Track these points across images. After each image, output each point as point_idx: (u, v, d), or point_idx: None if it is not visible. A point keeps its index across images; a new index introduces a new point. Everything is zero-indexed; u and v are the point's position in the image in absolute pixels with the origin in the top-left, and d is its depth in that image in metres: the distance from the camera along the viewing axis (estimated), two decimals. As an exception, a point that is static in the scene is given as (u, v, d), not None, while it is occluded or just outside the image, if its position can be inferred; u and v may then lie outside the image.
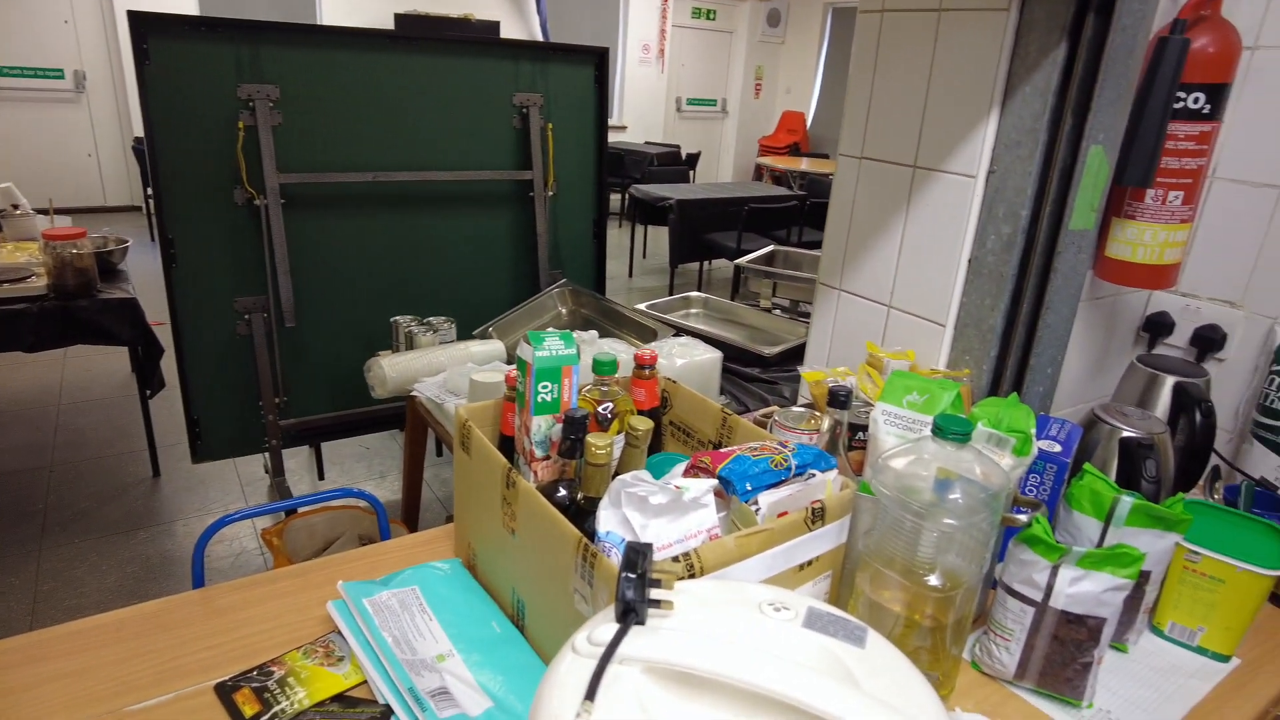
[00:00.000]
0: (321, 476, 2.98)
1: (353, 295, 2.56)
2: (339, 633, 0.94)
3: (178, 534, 2.62)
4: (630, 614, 0.54)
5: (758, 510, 0.84)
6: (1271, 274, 1.33)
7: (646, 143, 9.02)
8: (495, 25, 7.83)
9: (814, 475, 0.89)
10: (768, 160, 8.77)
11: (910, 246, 1.20)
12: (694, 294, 2.71)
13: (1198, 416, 1.21)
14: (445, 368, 1.97)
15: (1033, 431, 0.94)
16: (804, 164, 8.40)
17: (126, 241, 2.95)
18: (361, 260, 2.56)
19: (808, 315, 2.69)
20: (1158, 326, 1.46)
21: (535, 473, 0.95)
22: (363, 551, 1.09)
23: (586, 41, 2.96)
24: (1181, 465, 1.22)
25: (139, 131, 6.30)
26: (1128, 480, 1.10)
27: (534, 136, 2.79)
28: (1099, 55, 0.95)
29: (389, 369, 1.90)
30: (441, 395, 1.81)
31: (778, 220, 5.40)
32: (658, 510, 0.78)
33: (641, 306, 2.50)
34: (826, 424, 0.98)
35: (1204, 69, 1.12)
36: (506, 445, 1.03)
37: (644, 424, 0.89)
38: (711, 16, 9.82)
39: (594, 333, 1.78)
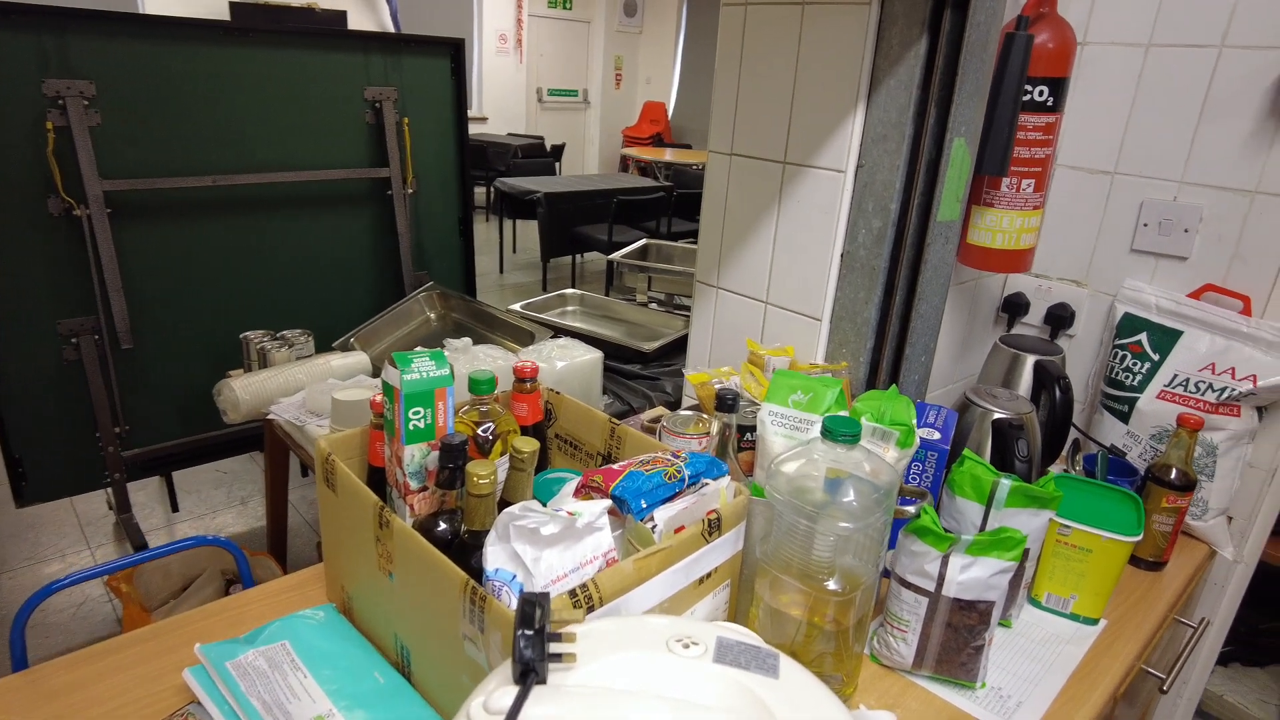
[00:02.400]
0: (175, 508, 2.73)
1: (197, 311, 2.35)
2: (199, 703, 0.84)
3: (3, 589, 2.33)
4: (530, 674, 0.49)
5: (654, 527, 0.80)
6: (1108, 254, 1.42)
7: (509, 134, 8.84)
8: (341, 15, 7.42)
9: (707, 484, 0.87)
10: (633, 151, 8.79)
11: (784, 243, 1.20)
12: (569, 291, 2.66)
13: (1057, 392, 1.27)
14: (304, 385, 1.83)
15: (914, 423, 0.95)
16: (668, 154, 8.48)
17: (-83, 261, 2.58)
18: (205, 272, 2.34)
19: (684, 308, 2.70)
20: (1015, 307, 1.54)
21: (411, 506, 0.88)
22: (224, 604, 0.98)
23: (440, 32, 2.84)
24: (1045, 439, 1.28)
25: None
26: (1001, 460, 1.14)
27: (389, 132, 2.65)
28: (958, 49, 0.97)
29: (241, 391, 1.74)
30: (301, 417, 1.68)
31: (647, 211, 5.42)
32: (550, 540, 0.73)
33: (515, 307, 2.43)
34: (715, 427, 0.95)
35: (1046, 63, 1.17)
36: (376, 477, 0.94)
37: (529, 445, 0.84)
38: (568, 6, 9.73)
39: (467, 340, 1.70)
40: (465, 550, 0.80)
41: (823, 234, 1.14)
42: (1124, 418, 1.34)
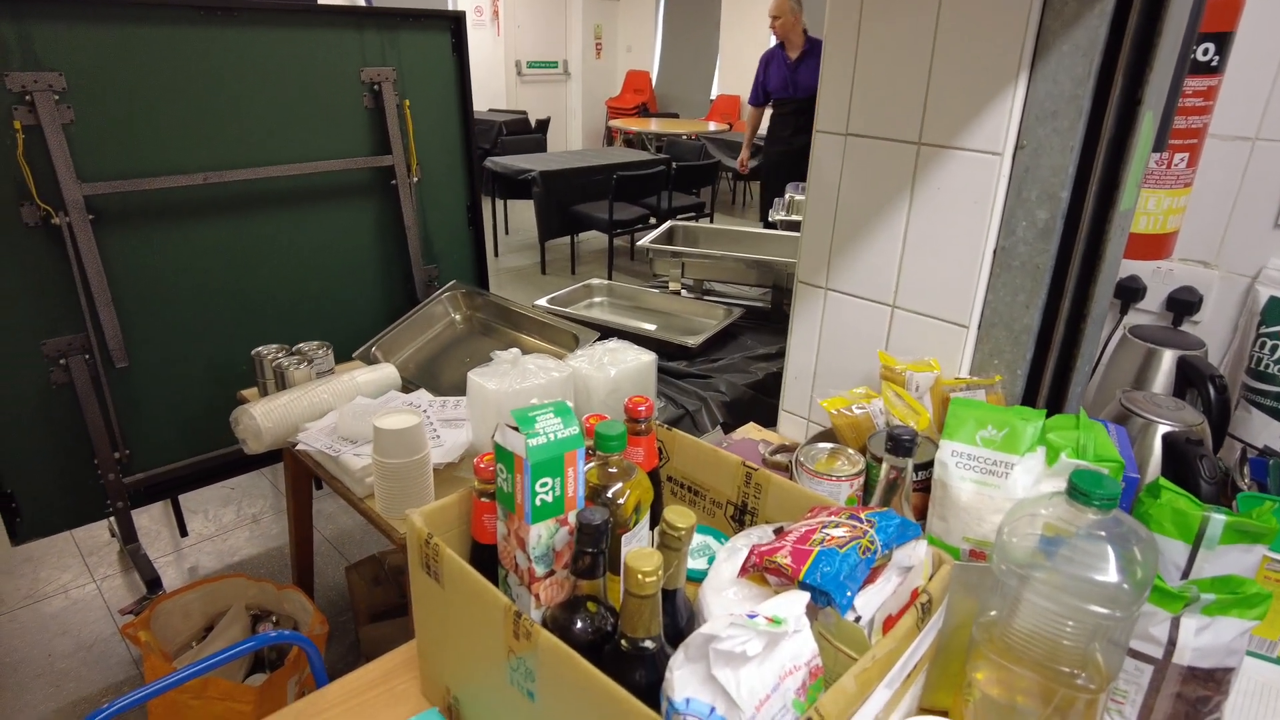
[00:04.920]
0: (184, 532, 2.55)
1: (194, 321, 2.14)
2: None
3: (3, 633, 2.14)
4: None
5: (859, 621, 0.65)
6: (1245, 231, 1.27)
7: (491, 110, 8.55)
8: (309, -11, 7.06)
9: (898, 551, 0.71)
10: (618, 123, 8.54)
11: (917, 237, 1.03)
12: (595, 281, 2.48)
13: (1211, 393, 1.13)
14: (331, 407, 1.65)
15: (1121, 458, 0.80)
16: (653, 125, 8.25)
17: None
18: (200, 279, 2.14)
19: (717, 295, 2.53)
20: (1129, 292, 1.39)
21: (537, 596, 0.71)
22: (297, 713, 0.82)
23: (413, 5, 2.62)
24: (1201, 448, 1.14)
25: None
26: (1176, 480, 1.00)
27: (390, 116, 2.43)
28: (1160, 4, 0.80)
29: (262, 418, 1.55)
30: (336, 446, 1.50)
31: (646, 187, 5.21)
32: (749, 656, 0.57)
33: (542, 302, 2.25)
34: (883, 471, 0.79)
35: (1213, 16, 1.01)
36: (481, 554, 0.78)
37: (684, 519, 0.67)
38: (544, -27, 9.39)
39: (515, 351, 1.52)
40: (623, 662, 0.64)
41: (971, 227, 0.97)
42: (1279, 415, 1.20)
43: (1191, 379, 1.17)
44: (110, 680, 2.00)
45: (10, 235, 1.84)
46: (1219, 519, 0.83)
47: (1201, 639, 0.75)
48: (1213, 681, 0.76)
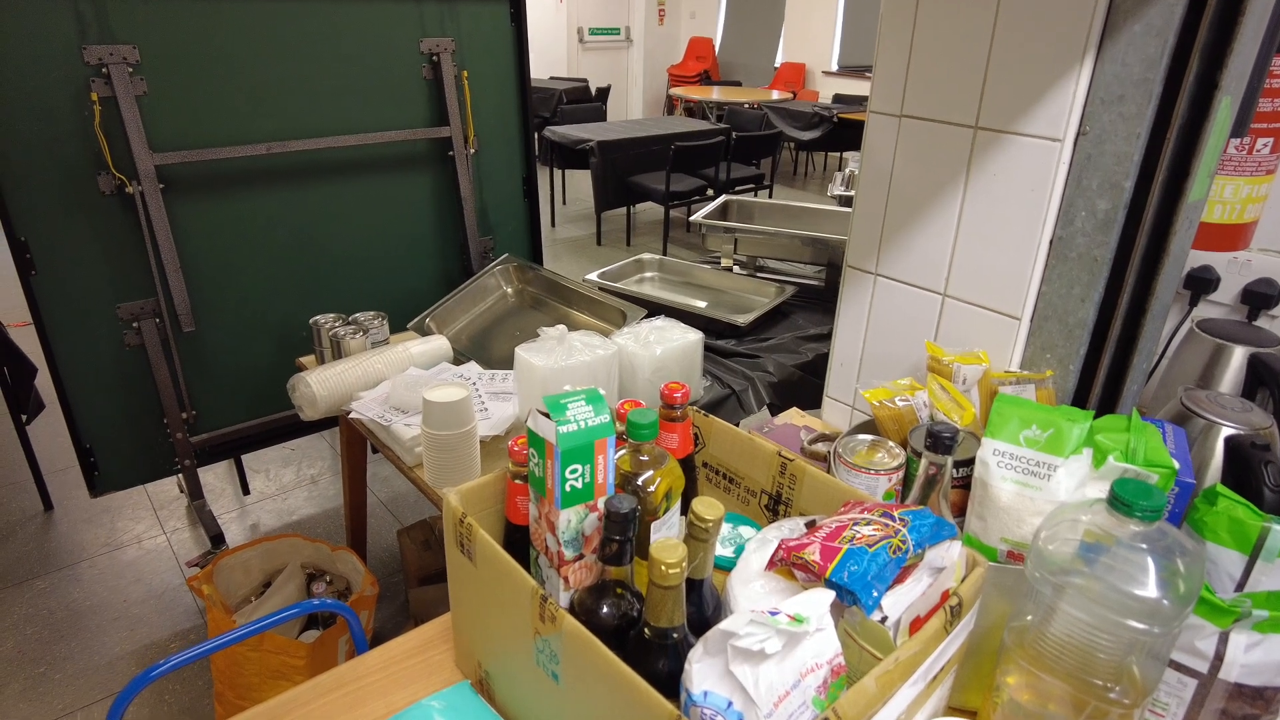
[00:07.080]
0: (246, 491, 2.66)
1: (259, 289, 2.22)
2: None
3: (85, 579, 2.28)
4: None
5: (884, 619, 0.64)
6: (1333, 219, 1.19)
7: (551, 78, 8.53)
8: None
9: (929, 551, 0.70)
10: (680, 91, 8.44)
11: (971, 224, 1.00)
12: (646, 256, 2.47)
13: (1284, 394, 1.07)
14: (384, 376, 1.69)
15: (1176, 465, 0.77)
16: (715, 93, 8.12)
17: (-30, 242, 2.48)
18: (262, 247, 2.20)
19: (770, 273, 2.50)
20: (1201, 283, 1.32)
21: (566, 579, 0.72)
22: (338, 677, 0.85)
23: None
24: (1269, 450, 1.08)
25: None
26: (1240, 489, 0.95)
27: (448, 87, 2.45)
28: (1242, -19, 0.75)
29: (318, 386, 1.60)
30: (387, 415, 1.54)
31: (704, 158, 5.15)
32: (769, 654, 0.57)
33: (593, 277, 2.26)
34: (922, 467, 0.78)
35: (1306, -10, 0.94)
36: (515, 535, 0.79)
37: (713, 510, 0.67)
38: (608, -62, 9.26)
39: (562, 328, 1.53)
40: (645, 650, 0.64)
41: (1027, 215, 0.93)
42: (1358, 419, 1.13)
43: (1263, 378, 1.11)
44: (178, 627, 2.11)
45: (88, 203, 1.92)
46: None
47: (1251, 655, 0.72)
48: (1261, 700, 0.73)
